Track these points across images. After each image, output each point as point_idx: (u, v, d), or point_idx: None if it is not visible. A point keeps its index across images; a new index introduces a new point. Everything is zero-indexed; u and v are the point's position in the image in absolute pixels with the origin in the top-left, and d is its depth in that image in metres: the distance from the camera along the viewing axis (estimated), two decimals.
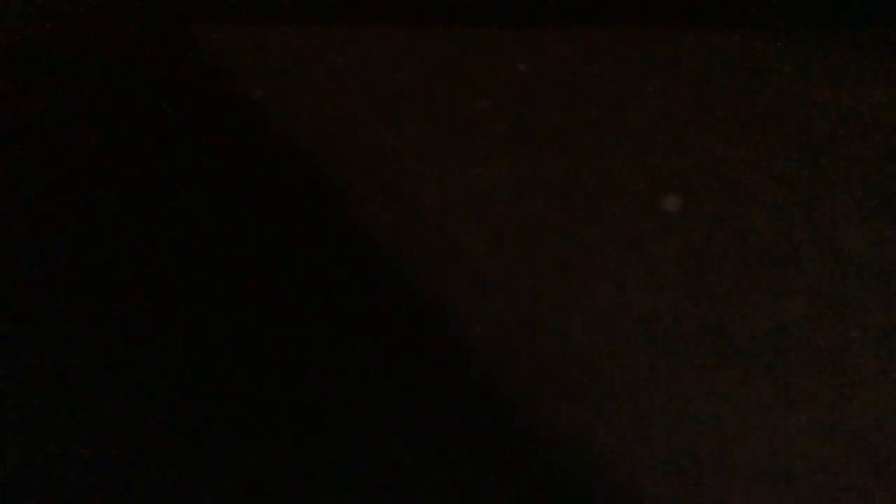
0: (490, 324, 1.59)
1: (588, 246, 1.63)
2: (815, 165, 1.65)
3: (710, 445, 1.50)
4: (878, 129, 1.66)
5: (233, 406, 1.57)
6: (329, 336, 1.61)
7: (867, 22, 1.73)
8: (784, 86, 1.70)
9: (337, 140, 1.75)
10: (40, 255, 1.69)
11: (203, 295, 1.65)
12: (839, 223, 1.60)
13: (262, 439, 1.54)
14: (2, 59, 1.85)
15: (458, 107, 1.74)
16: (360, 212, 1.70)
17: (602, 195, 1.66)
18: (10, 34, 1.87)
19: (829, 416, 1.50)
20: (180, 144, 1.77)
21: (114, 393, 1.58)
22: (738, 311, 1.57)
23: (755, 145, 1.67)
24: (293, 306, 1.63)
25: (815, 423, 1.49)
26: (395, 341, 1.60)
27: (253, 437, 1.54)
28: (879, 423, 1.48)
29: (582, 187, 1.67)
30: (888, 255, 1.58)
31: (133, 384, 1.59)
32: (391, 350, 1.59)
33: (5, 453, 1.54)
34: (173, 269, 1.67)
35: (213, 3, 1.88)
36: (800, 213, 1.62)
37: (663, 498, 1.47)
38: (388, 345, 1.59)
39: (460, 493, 1.50)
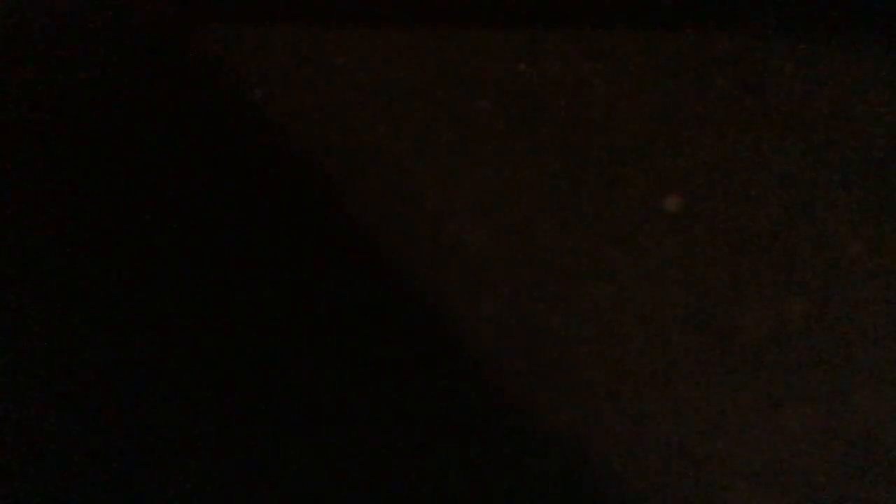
0: (490, 324, 1.59)
1: (588, 246, 1.63)
2: (815, 165, 1.65)
3: (710, 445, 1.49)
4: (878, 130, 1.66)
5: (230, 406, 1.57)
6: (328, 336, 1.61)
7: (867, 22, 1.73)
8: (784, 86, 1.70)
9: (337, 140, 1.75)
10: (38, 256, 1.69)
11: (201, 295, 1.65)
12: (839, 223, 1.60)
13: (260, 439, 1.54)
14: None
15: (458, 107, 1.74)
16: (359, 212, 1.70)
17: (602, 195, 1.66)
18: (8, 34, 1.87)
19: (829, 416, 1.49)
20: (179, 144, 1.77)
21: (109, 393, 1.58)
22: (738, 311, 1.57)
23: (755, 145, 1.67)
24: (292, 306, 1.63)
25: (815, 423, 1.49)
26: (395, 341, 1.60)
27: (251, 437, 1.54)
28: (879, 423, 1.48)
29: (582, 187, 1.67)
30: (888, 256, 1.58)
31: (129, 384, 1.59)
32: (391, 350, 1.59)
33: (5, 455, 1.54)
34: (171, 269, 1.67)
35: (213, 3, 1.88)
36: (800, 213, 1.62)
37: (663, 498, 1.47)
38: (387, 345, 1.59)
39: (460, 493, 1.50)
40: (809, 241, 1.60)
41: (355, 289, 1.65)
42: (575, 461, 1.50)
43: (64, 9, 1.88)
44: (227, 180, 1.74)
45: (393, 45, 1.80)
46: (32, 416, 1.57)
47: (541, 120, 1.72)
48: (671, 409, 1.52)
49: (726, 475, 1.48)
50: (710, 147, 1.67)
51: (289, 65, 1.81)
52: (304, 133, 1.76)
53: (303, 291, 1.64)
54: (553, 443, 1.51)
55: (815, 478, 1.46)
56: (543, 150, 1.70)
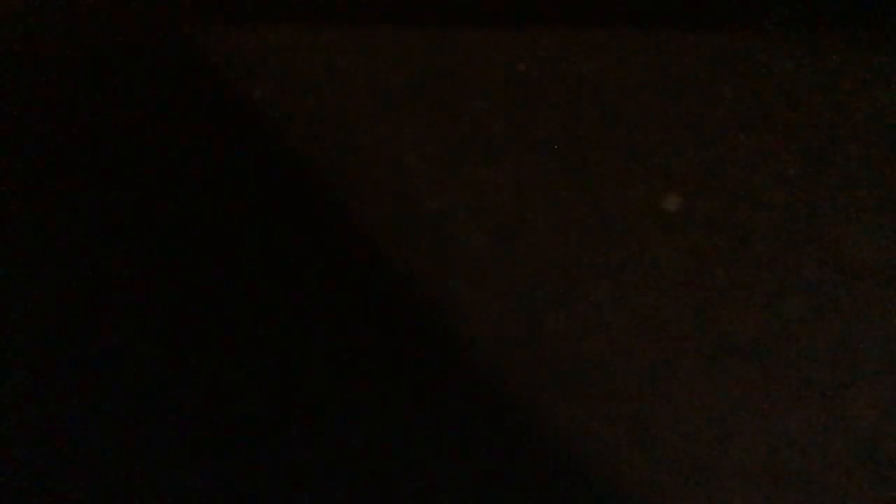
0: (490, 324, 1.59)
1: (588, 246, 1.63)
2: (815, 165, 1.65)
3: (710, 445, 1.49)
4: (878, 130, 1.66)
5: (231, 407, 1.57)
6: (329, 336, 1.61)
7: (867, 22, 1.73)
8: (784, 86, 1.70)
9: (337, 140, 1.75)
10: (39, 256, 1.69)
11: (201, 296, 1.65)
12: (839, 223, 1.60)
13: (261, 440, 1.54)
14: (1, 59, 1.85)
15: (458, 107, 1.74)
16: (359, 212, 1.70)
17: (602, 195, 1.66)
18: (10, 34, 1.87)
19: (829, 416, 1.49)
20: (179, 144, 1.77)
21: (111, 394, 1.58)
22: (738, 311, 1.57)
23: (755, 145, 1.67)
24: (292, 306, 1.63)
25: (815, 423, 1.49)
26: (395, 341, 1.60)
27: (252, 438, 1.54)
28: (879, 422, 1.48)
29: (582, 187, 1.67)
30: (888, 255, 1.58)
31: (129, 386, 1.59)
32: (391, 350, 1.59)
33: (11, 457, 1.54)
34: (172, 270, 1.67)
35: (213, 3, 1.88)
36: (800, 213, 1.62)
37: (663, 498, 1.47)
38: (388, 345, 1.59)
39: (460, 493, 1.50)
40: (809, 241, 1.60)
41: (355, 288, 1.65)
42: (576, 460, 1.50)
43: (64, 10, 1.88)
44: (228, 180, 1.74)
45: (393, 45, 1.80)
46: (34, 418, 1.57)
47: (540, 120, 1.72)
48: (672, 409, 1.52)
49: (726, 475, 1.48)
50: (710, 147, 1.67)
51: (289, 65, 1.81)
52: (304, 133, 1.76)
53: (302, 291, 1.64)
54: (553, 442, 1.51)
55: (815, 477, 1.46)
56: (543, 150, 1.70)
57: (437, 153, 1.72)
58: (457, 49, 1.79)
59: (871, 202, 1.62)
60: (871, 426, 1.48)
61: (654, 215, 1.64)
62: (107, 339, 1.62)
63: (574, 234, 1.64)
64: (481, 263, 1.64)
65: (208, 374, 1.59)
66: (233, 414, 1.56)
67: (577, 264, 1.62)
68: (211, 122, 1.79)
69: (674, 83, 1.72)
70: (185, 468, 1.52)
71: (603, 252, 1.62)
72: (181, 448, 1.54)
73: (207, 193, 1.73)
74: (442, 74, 1.77)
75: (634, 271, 1.61)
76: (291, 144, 1.76)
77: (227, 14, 1.86)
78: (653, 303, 1.58)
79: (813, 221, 1.61)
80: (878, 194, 1.62)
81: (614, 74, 1.74)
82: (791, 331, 1.55)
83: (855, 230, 1.60)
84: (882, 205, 1.62)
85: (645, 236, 1.63)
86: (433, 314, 1.61)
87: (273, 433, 1.55)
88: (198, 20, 1.86)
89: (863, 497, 1.45)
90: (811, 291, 1.57)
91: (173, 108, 1.80)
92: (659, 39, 1.75)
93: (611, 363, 1.55)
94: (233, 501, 1.51)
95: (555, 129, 1.72)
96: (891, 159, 1.64)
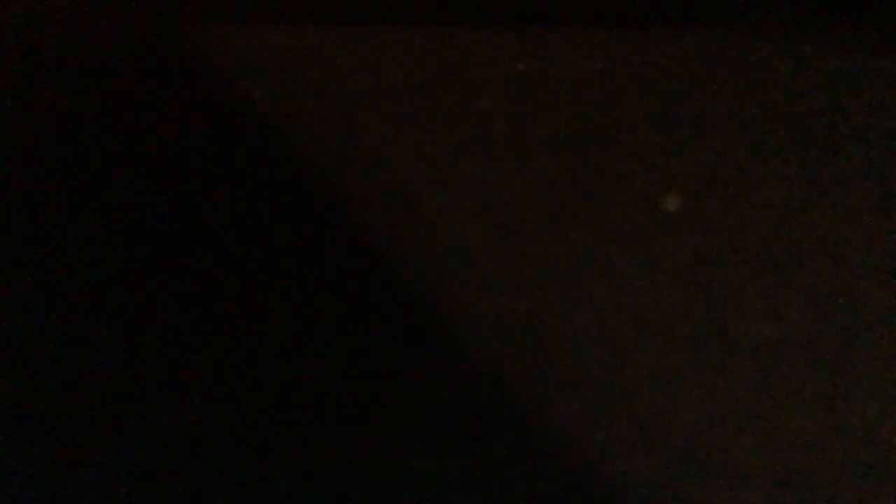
0: (490, 323, 1.59)
1: (588, 246, 1.63)
2: (815, 165, 1.65)
3: (710, 445, 1.49)
4: (877, 130, 1.66)
5: (231, 406, 1.57)
6: (329, 336, 1.61)
7: (867, 22, 1.73)
8: (784, 86, 1.70)
9: (337, 140, 1.75)
10: (39, 256, 1.69)
11: (202, 295, 1.65)
12: (839, 223, 1.60)
13: (262, 440, 1.54)
14: (2, 60, 1.85)
15: (458, 107, 1.74)
16: (359, 211, 1.70)
17: (602, 195, 1.66)
18: (10, 34, 1.87)
19: (829, 416, 1.49)
20: (180, 144, 1.77)
21: (110, 394, 1.58)
22: (738, 312, 1.57)
23: (755, 145, 1.67)
24: (293, 306, 1.63)
25: (815, 423, 1.49)
26: (396, 341, 1.60)
27: (252, 438, 1.54)
28: (879, 423, 1.48)
29: (582, 187, 1.67)
30: (888, 255, 1.58)
31: (130, 386, 1.59)
32: (391, 350, 1.59)
33: (11, 457, 1.55)
34: (172, 269, 1.67)
35: (213, 4, 1.88)
36: (800, 213, 1.62)
37: (663, 498, 1.47)
38: (388, 345, 1.59)
39: (460, 493, 1.50)
40: (809, 241, 1.60)
41: (355, 288, 1.65)
42: (575, 461, 1.50)
43: (65, 10, 1.88)
44: (227, 180, 1.74)
45: (393, 45, 1.80)
46: (36, 417, 1.57)
47: (540, 120, 1.72)
48: (672, 408, 1.52)
49: (726, 475, 1.48)
50: (710, 147, 1.67)
51: (289, 65, 1.81)
52: (303, 133, 1.76)
53: (303, 290, 1.64)
54: (553, 442, 1.51)
55: (815, 478, 1.46)
56: (543, 149, 1.70)
57: (437, 153, 1.72)
58: (457, 49, 1.78)
59: (871, 202, 1.62)
60: (871, 426, 1.48)
61: (654, 215, 1.64)
62: (107, 337, 1.62)
63: (574, 234, 1.64)
64: (481, 263, 1.64)
65: (209, 375, 1.59)
66: (233, 414, 1.56)
67: (577, 264, 1.62)
68: (211, 122, 1.79)
69: (674, 83, 1.72)
70: (185, 468, 1.52)
71: (603, 252, 1.62)
72: (182, 448, 1.54)
73: (208, 193, 1.73)
74: (442, 74, 1.77)
75: (634, 271, 1.61)
76: (291, 144, 1.76)
77: (227, 14, 1.86)
78: (653, 303, 1.58)
79: (813, 221, 1.61)
80: (878, 194, 1.62)
81: (614, 74, 1.74)
82: (791, 331, 1.55)
83: (855, 230, 1.60)
84: (882, 205, 1.62)
85: (645, 236, 1.63)
86: (433, 314, 1.61)
87: (273, 433, 1.55)
88: (198, 20, 1.86)
89: (862, 497, 1.45)
90: (811, 291, 1.57)
91: (173, 108, 1.80)
92: (659, 39, 1.75)
93: (611, 363, 1.55)
94: (234, 502, 1.51)
95: (555, 129, 1.72)
96: (891, 159, 1.64)
